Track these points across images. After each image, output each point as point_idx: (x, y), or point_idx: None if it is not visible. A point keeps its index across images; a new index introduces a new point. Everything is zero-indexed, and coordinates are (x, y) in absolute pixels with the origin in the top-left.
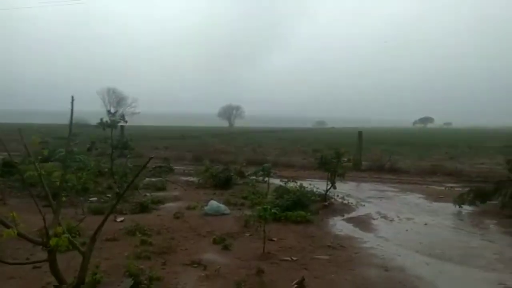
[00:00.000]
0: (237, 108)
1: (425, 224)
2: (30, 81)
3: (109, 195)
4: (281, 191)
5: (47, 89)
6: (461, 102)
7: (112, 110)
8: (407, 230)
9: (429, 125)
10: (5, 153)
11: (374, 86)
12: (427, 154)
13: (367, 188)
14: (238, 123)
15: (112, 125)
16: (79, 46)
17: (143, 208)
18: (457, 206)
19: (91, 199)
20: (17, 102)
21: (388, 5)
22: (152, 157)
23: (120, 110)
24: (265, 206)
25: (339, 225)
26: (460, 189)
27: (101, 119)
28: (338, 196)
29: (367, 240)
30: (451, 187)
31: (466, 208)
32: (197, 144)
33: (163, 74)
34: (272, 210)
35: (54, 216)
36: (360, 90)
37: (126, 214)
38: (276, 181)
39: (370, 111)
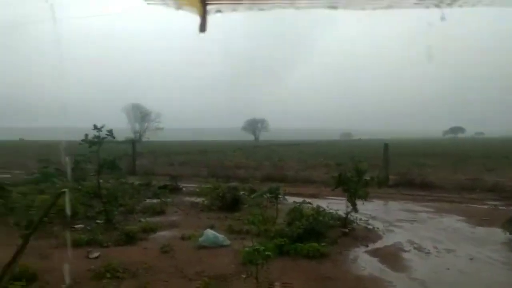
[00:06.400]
0: (262, 121)
1: (471, 258)
2: (50, 96)
3: (98, 221)
4: (293, 216)
5: (70, 105)
6: (493, 111)
7: (137, 126)
8: (448, 268)
9: (460, 135)
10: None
11: (401, 96)
12: (461, 166)
13: (396, 208)
14: (263, 137)
15: (97, 142)
16: (98, 64)
17: (129, 239)
18: (508, 233)
19: (76, 226)
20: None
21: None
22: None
23: (145, 126)
24: (256, 247)
25: (362, 260)
26: (504, 208)
27: (86, 135)
28: (361, 219)
29: (398, 284)
30: (495, 205)
31: None
32: (215, 159)
33: (187, 90)
34: (266, 253)
35: (14, 255)
36: (387, 100)
37: (107, 246)
38: (297, 199)
39: (398, 121)
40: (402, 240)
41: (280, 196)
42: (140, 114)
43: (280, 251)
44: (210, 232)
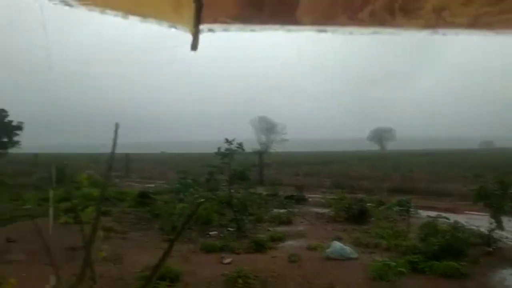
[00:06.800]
0: (388, 130)
1: None
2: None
3: (230, 229)
4: (427, 231)
5: (204, 119)
6: None
7: (263, 138)
8: None
9: None
10: (151, 184)
11: None
12: None
13: None
14: (390, 146)
15: (229, 154)
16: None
17: (258, 247)
18: None
19: (210, 233)
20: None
21: None
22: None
23: (271, 137)
24: (387, 262)
25: (511, 284)
26: None
27: (218, 149)
28: (507, 238)
29: None
30: None
31: None
32: (339, 170)
33: (309, 100)
34: (399, 269)
35: (162, 257)
36: None
37: (238, 253)
38: (431, 214)
39: None
40: None
41: (411, 209)
42: (266, 126)
43: (413, 268)
44: (337, 244)
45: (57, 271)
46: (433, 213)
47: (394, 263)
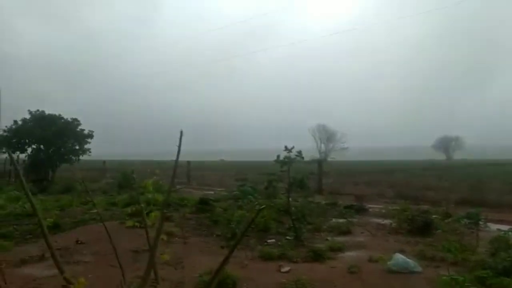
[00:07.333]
0: (456, 138)
1: None
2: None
3: (288, 237)
4: (497, 245)
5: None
6: None
7: (323, 147)
8: None
9: None
10: (212, 191)
11: None
12: None
13: None
14: (458, 155)
15: (288, 162)
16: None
17: (316, 257)
18: None
19: (268, 241)
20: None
21: None
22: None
23: (330, 146)
24: (454, 277)
25: None
26: None
27: (278, 156)
28: None
29: None
30: None
31: None
32: (402, 180)
33: (369, 105)
34: (466, 284)
35: (221, 263)
36: None
37: (296, 262)
38: (502, 227)
39: None
40: None
41: (481, 222)
42: (326, 134)
43: (481, 284)
44: (399, 256)
45: (123, 273)
46: (504, 227)
47: (462, 278)
